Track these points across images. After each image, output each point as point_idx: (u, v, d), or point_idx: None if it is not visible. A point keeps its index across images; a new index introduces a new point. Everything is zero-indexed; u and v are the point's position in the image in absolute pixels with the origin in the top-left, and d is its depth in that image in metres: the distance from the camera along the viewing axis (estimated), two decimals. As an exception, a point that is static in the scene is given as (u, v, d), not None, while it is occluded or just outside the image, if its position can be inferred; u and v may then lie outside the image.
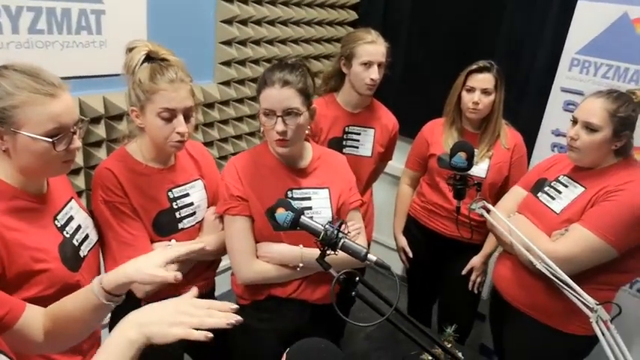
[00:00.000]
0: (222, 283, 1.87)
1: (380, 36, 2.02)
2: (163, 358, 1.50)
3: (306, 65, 1.47)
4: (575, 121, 1.63)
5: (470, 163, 1.68)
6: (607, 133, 1.55)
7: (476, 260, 2.15)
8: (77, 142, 1.12)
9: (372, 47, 1.97)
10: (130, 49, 1.35)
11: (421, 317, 2.37)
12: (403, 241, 2.32)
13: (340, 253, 1.15)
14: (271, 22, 2.62)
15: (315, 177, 1.52)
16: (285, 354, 0.88)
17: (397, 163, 2.47)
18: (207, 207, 1.54)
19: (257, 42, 2.57)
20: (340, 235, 1.13)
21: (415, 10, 2.92)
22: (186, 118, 1.33)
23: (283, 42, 2.72)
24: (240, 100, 2.60)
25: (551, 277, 1.52)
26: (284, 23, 2.69)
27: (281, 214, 1.17)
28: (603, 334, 1.38)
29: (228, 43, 2.43)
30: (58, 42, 1.87)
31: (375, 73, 1.98)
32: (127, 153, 1.40)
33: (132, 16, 2.07)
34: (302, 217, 1.17)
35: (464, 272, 2.16)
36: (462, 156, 1.67)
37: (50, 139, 1.06)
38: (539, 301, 1.72)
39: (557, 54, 2.22)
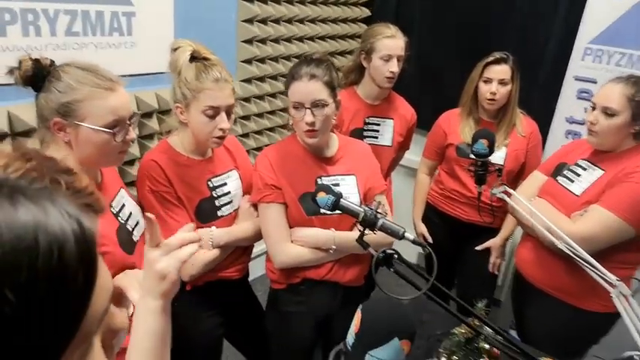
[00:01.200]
0: (254, 269, 1.95)
1: (399, 31, 2.10)
2: (204, 342, 1.59)
3: (330, 60, 1.55)
4: (594, 107, 1.69)
5: (491, 149, 1.75)
6: (625, 117, 1.62)
7: (495, 241, 2.22)
8: (133, 134, 1.20)
9: (392, 41, 2.06)
10: (174, 49, 1.42)
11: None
12: (423, 228, 2.40)
13: (371, 235, 1.22)
14: (289, 21, 2.69)
15: (342, 164, 1.60)
16: (359, 310, 0.95)
17: (412, 155, 2.54)
18: (242, 196, 1.62)
19: (276, 40, 2.65)
20: (379, 215, 1.21)
21: (427, 5, 2.99)
22: (228, 115, 1.41)
23: (300, 39, 2.80)
24: (261, 97, 2.68)
25: (573, 256, 1.59)
26: (301, 21, 2.77)
27: (322, 197, 1.24)
28: (625, 309, 1.45)
29: (249, 41, 2.51)
30: (93, 43, 1.95)
31: (394, 67, 2.06)
32: (170, 145, 1.48)
33: (160, 18, 2.15)
34: (341, 199, 1.25)
35: (480, 248, 2.23)
36: (483, 143, 1.74)
37: (110, 130, 1.14)
38: (560, 280, 1.79)
39: (569, 43, 2.29)
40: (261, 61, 2.61)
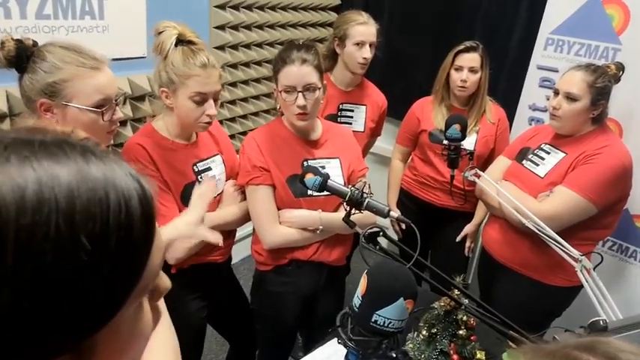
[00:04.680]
0: (236, 252, 1.97)
1: (371, 17, 2.16)
2: (189, 325, 1.61)
3: (316, 45, 1.59)
4: (556, 92, 1.80)
5: (464, 134, 1.83)
6: (586, 102, 1.73)
7: (469, 228, 2.33)
8: (120, 113, 1.20)
9: (364, 28, 2.11)
10: (159, 32, 1.41)
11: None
12: (397, 213, 2.47)
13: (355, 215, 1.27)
14: (261, 8, 2.70)
15: (327, 148, 1.64)
16: (365, 274, 1.00)
17: (384, 144, 2.61)
18: (226, 180, 1.64)
19: (248, 27, 2.65)
20: (365, 195, 1.26)
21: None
22: (215, 101, 1.42)
23: (272, 27, 2.81)
24: (234, 84, 2.68)
25: (540, 234, 1.69)
26: (273, 8, 2.77)
27: (310, 178, 1.28)
28: (587, 282, 1.57)
29: (221, 27, 2.50)
30: (64, 27, 1.90)
31: (367, 53, 2.11)
32: (154, 129, 1.47)
33: (132, 2, 2.11)
34: (329, 180, 1.29)
35: (458, 239, 2.33)
36: (456, 128, 1.82)
37: (98, 110, 1.14)
38: (526, 258, 1.89)
39: (533, 34, 2.40)
40: (234, 47, 2.61)
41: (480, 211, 2.29)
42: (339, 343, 0.98)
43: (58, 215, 0.35)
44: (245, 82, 2.73)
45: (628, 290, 2.25)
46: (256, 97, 2.85)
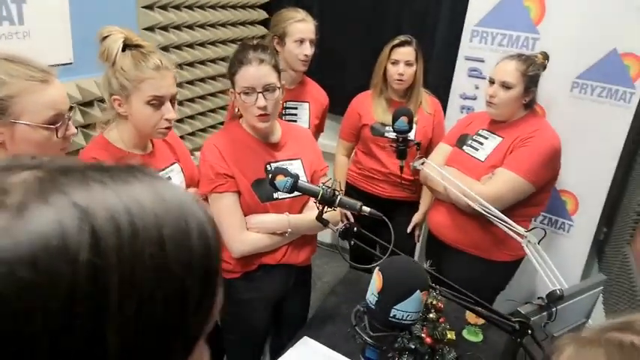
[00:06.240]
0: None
1: (308, 14, 2.17)
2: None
3: (269, 46, 1.57)
4: (492, 82, 1.92)
5: (410, 125, 1.91)
6: (519, 89, 1.86)
7: (417, 217, 2.42)
8: (73, 128, 1.12)
9: (304, 25, 2.12)
10: (103, 37, 1.32)
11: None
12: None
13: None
14: (190, 7, 2.61)
15: (288, 150, 1.63)
16: (378, 271, 1.01)
17: (325, 140, 2.65)
18: (186, 189, 1.58)
19: (178, 27, 2.56)
20: (336, 192, 1.27)
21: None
22: (172, 105, 1.36)
23: (202, 26, 2.73)
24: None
25: (486, 214, 1.81)
26: (202, 7, 2.69)
27: (281, 180, 1.28)
28: (532, 255, 1.71)
29: (150, 29, 2.39)
30: (-21, 34, 1.72)
31: (308, 49, 2.13)
32: (108, 141, 1.39)
33: (54, 5, 1.96)
34: (299, 180, 1.29)
35: (409, 230, 2.41)
36: (404, 120, 1.89)
37: (52, 126, 1.05)
38: (474, 238, 2.01)
39: (456, 28, 2.54)
40: (165, 49, 2.50)
41: (426, 198, 2.40)
42: (358, 341, 0.99)
43: (151, 245, 0.33)
44: (179, 85, 2.63)
45: (558, 258, 2.46)
46: (197, 98, 2.77)
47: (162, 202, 0.35)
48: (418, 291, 0.98)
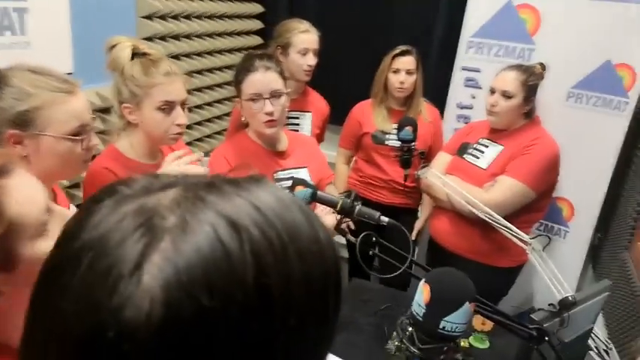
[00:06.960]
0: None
1: (312, 25, 2.19)
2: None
3: (273, 55, 1.58)
4: (493, 91, 1.96)
5: (415, 135, 1.93)
6: (520, 99, 1.91)
7: (419, 224, 2.45)
8: (96, 139, 1.11)
9: (307, 36, 2.15)
10: (111, 47, 1.32)
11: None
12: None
13: None
14: (188, 17, 2.61)
15: (294, 158, 1.64)
16: (424, 282, 1.01)
17: (325, 149, 2.66)
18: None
19: (177, 37, 2.55)
20: (355, 203, 1.28)
21: (319, 5, 3.11)
22: (182, 110, 1.36)
23: (200, 36, 2.73)
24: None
25: (490, 221, 1.84)
26: (199, 17, 2.70)
27: (300, 191, 1.28)
28: (537, 261, 1.74)
29: (150, 39, 2.38)
30: (-19, 44, 1.69)
31: (311, 60, 2.16)
32: (119, 151, 1.37)
33: (55, 15, 1.94)
34: (318, 191, 1.30)
35: (413, 237, 2.43)
36: (408, 130, 1.92)
37: (78, 138, 1.04)
38: (477, 244, 2.04)
39: (452, 39, 2.59)
40: (164, 59, 2.49)
41: (427, 206, 2.42)
42: (407, 355, 0.99)
43: (296, 257, 0.33)
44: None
45: (555, 264, 2.50)
46: (194, 108, 2.76)
47: (292, 213, 0.35)
48: (467, 303, 0.99)
